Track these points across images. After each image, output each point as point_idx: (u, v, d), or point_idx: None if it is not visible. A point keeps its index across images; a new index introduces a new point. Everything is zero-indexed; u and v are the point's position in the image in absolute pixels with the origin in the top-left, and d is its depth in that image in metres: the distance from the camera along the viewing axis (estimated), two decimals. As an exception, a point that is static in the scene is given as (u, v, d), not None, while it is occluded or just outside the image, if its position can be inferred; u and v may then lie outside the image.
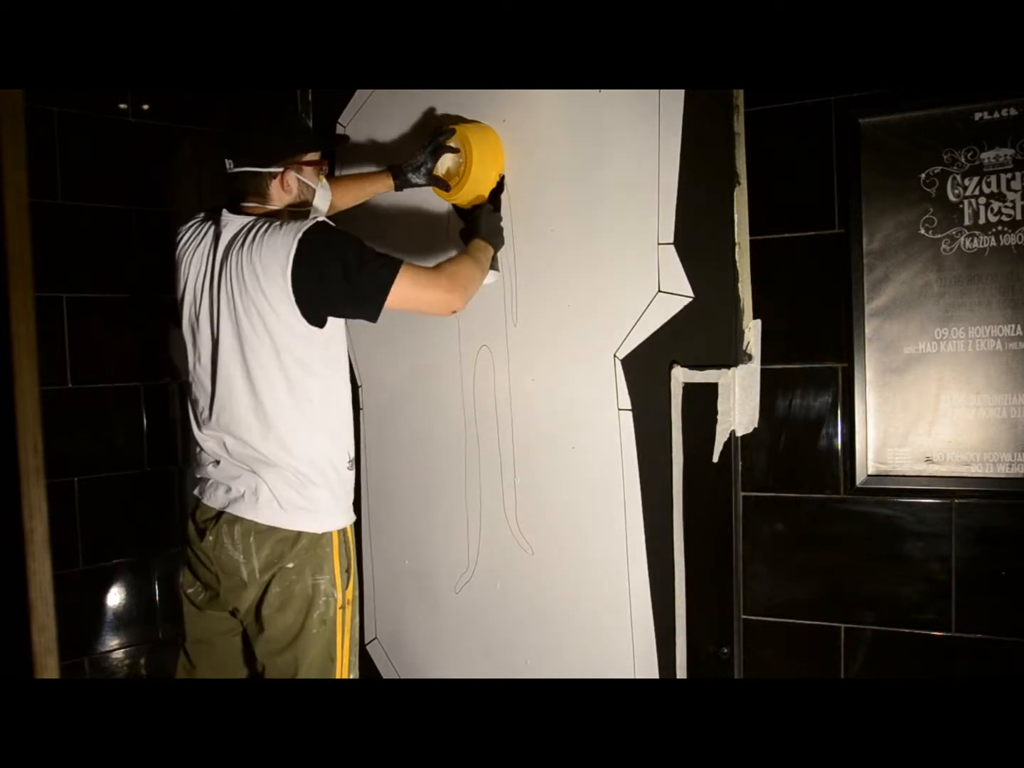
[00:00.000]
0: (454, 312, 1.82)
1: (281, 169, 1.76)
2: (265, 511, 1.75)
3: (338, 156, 2.52)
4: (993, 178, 1.72)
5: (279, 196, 1.79)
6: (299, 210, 1.83)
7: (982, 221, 1.73)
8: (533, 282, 2.17)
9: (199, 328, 1.81)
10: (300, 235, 1.65)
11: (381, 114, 2.41)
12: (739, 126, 1.90)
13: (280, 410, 1.73)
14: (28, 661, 0.96)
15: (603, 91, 2.02)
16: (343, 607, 1.81)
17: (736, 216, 1.90)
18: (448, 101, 2.27)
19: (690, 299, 1.94)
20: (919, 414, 1.80)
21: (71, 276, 2.16)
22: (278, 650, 1.79)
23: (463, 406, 2.30)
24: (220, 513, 1.78)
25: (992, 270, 1.73)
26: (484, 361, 2.26)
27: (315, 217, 1.72)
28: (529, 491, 2.20)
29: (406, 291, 1.71)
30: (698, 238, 1.92)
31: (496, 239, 2.05)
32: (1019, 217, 1.71)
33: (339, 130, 2.51)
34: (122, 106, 2.24)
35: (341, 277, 1.66)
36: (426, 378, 2.35)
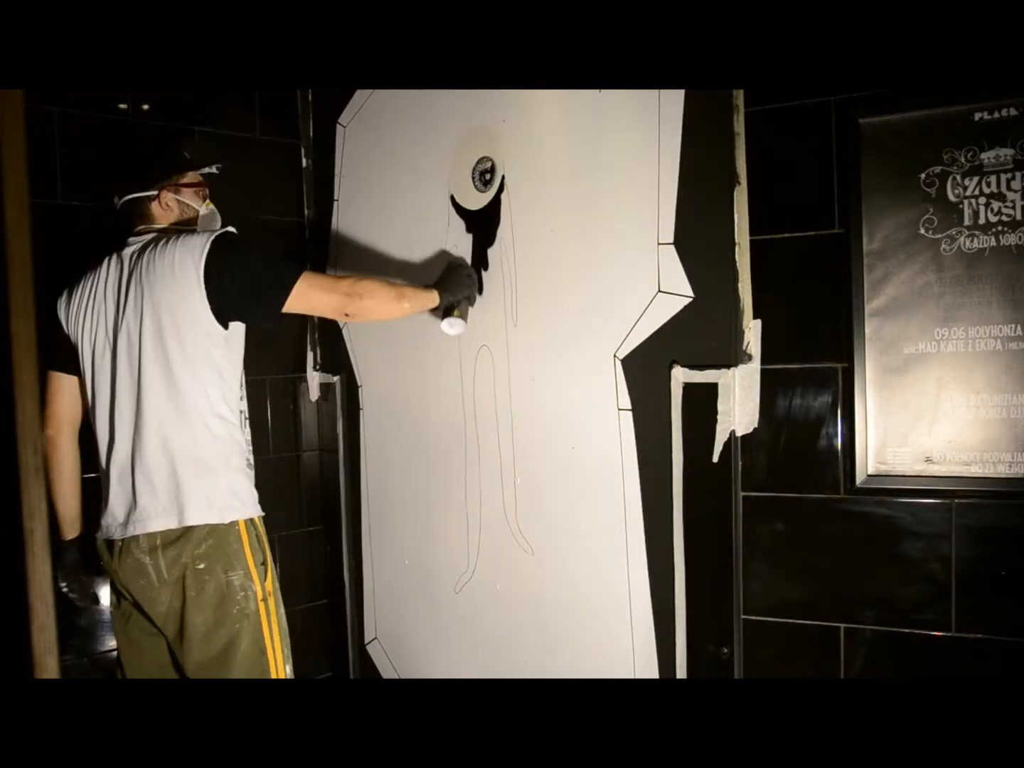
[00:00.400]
0: (347, 316, 1.93)
1: (156, 192, 1.94)
2: (159, 521, 1.80)
3: (344, 157, 2.52)
4: (993, 178, 1.72)
5: (161, 216, 1.95)
6: (185, 229, 1.94)
7: (982, 221, 1.73)
8: (533, 282, 2.17)
9: (100, 356, 1.88)
10: (214, 236, 1.81)
11: (382, 114, 2.41)
12: (739, 126, 1.90)
13: (167, 416, 1.81)
14: (28, 661, 0.96)
15: (603, 91, 2.02)
16: (264, 599, 1.86)
17: (736, 216, 1.90)
18: (448, 101, 2.27)
19: (690, 299, 1.94)
20: (919, 414, 1.80)
21: (71, 276, 2.16)
22: (203, 650, 1.82)
23: (463, 406, 2.30)
24: (122, 540, 1.84)
25: (992, 270, 1.73)
26: (484, 361, 2.26)
27: (227, 227, 1.87)
28: (529, 491, 2.20)
29: (306, 292, 1.85)
30: (698, 238, 1.92)
31: (449, 292, 2.12)
32: (1019, 217, 1.70)
33: (339, 130, 2.51)
34: (122, 106, 2.24)
35: (249, 271, 1.80)
36: (426, 378, 2.35)
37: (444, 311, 2.12)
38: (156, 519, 1.80)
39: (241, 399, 1.94)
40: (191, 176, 2.00)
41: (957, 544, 1.77)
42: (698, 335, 1.94)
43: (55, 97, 2.12)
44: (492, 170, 2.22)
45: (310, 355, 2.64)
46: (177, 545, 1.80)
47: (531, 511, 2.20)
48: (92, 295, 1.91)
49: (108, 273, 1.90)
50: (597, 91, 2.02)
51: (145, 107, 2.28)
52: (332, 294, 1.88)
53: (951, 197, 1.75)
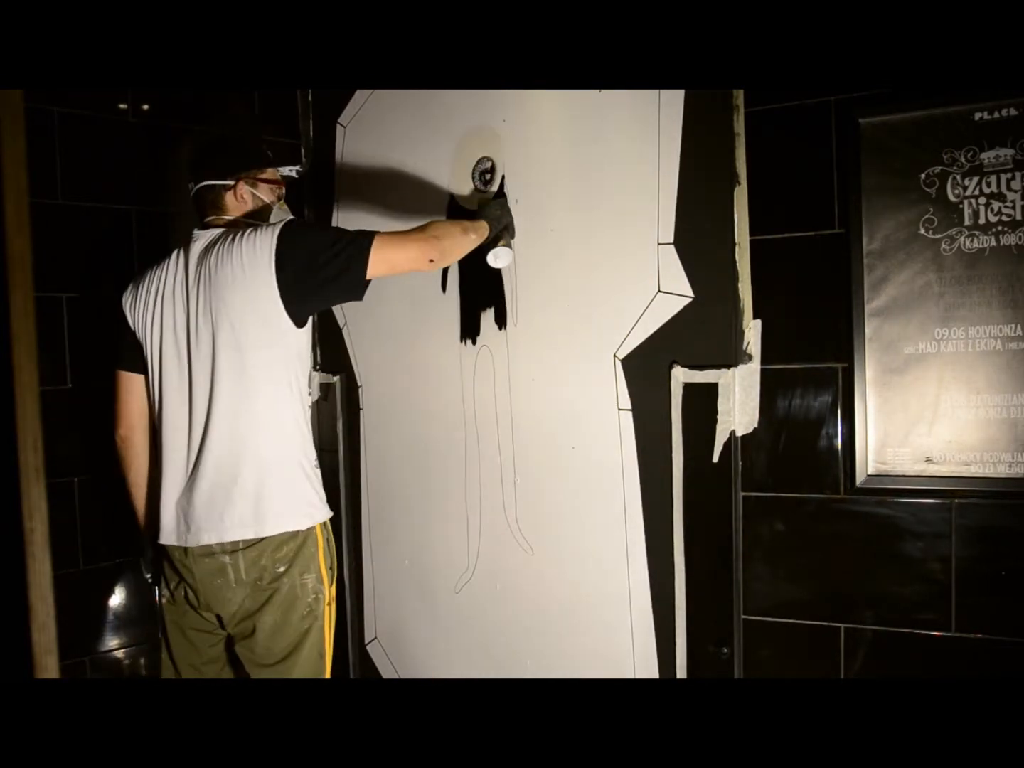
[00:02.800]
0: (431, 262, 1.87)
1: (234, 182, 1.92)
2: (240, 531, 1.78)
3: (344, 157, 2.52)
4: (993, 178, 1.72)
5: (235, 207, 1.93)
6: (253, 222, 1.92)
7: (982, 221, 1.73)
8: (533, 282, 2.17)
9: (169, 357, 1.84)
10: (279, 229, 1.77)
11: (382, 114, 2.41)
12: (739, 126, 1.90)
13: (244, 421, 1.78)
14: (28, 661, 0.96)
15: (603, 91, 2.02)
16: (330, 603, 1.88)
17: (736, 216, 1.90)
18: (448, 101, 2.27)
19: (690, 299, 1.94)
20: (919, 414, 1.80)
21: (71, 276, 2.16)
22: (270, 650, 1.80)
23: (463, 406, 2.30)
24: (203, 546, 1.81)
25: (992, 270, 1.73)
26: (484, 361, 2.26)
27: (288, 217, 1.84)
28: (529, 491, 2.20)
29: (385, 252, 1.79)
30: (698, 238, 1.92)
31: (494, 221, 2.08)
32: (1019, 217, 1.70)
33: (339, 130, 2.51)
34: (122, 106, 2.24)
35: (324, 251, 1.76)
36: (426, 378, 2.35)
37: (492, 242, 2.08)
38: (234, 528, 1.77)
39: (309, 394, 1.93)
40: (270, 172, 1.99)
41: (957, 544, 1.77)
42: (698, 335, 1.94)
43: (55, 97, 2.12)
44: (492, 170, 2.22)
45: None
46: (257, 547, 1.79)
47: (531, 511, 2.20)
48: (159, 293, 1.87)
49: (175, 270, 1.86)
50: (597, 91, 2.02)
51: (145, 107, 2.28)
52: (411, 246, 1.82)
53: (951, 197, 1.75)
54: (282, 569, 1.79)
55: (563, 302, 2.12)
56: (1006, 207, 1.71)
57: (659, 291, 1.98)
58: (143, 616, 2.29)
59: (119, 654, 2.23)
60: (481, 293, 2.26)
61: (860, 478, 1.84)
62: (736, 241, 1.90)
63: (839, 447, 1.88)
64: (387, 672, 2.50)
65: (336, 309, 2.55)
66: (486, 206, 2.13)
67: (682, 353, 1.96)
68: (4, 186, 0.94)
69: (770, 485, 1.93)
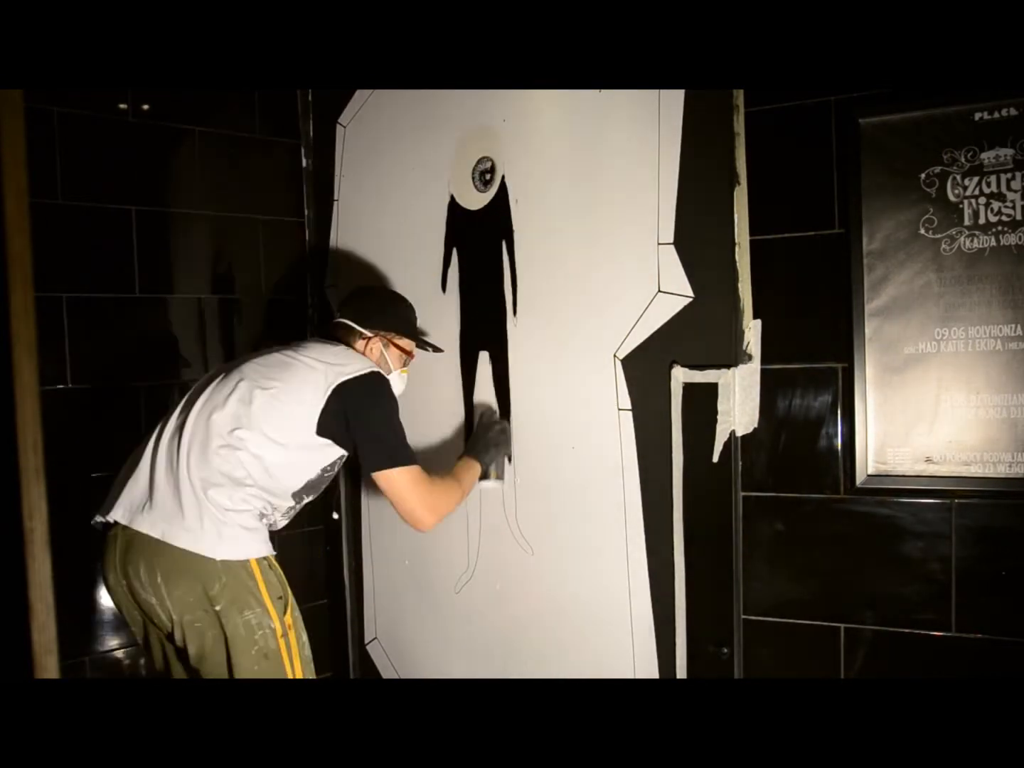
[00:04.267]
0: (415, 525, 1.92)
1: (371, 335, 2.02)
2: (177, 535, 1.75)
3: (344, 157, 2.52)
4: (993, 178, 1.72)
5: (366, 354, 2.02)
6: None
7: (982, 221, 1.73)
8: (533, 282, 2.17)
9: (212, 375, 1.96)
10: (369, 368, 1.91)
11: (382, 114, 2.41)
12: (739, 126, 1.90)
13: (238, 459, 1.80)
14: (28, 661, 0.96)
15: (603, 91, 2.02)
16: (284, 635, 1.80)
17: (736, 216, 1.90)
18: (448, 101, 2.27)
19: (690, 299, 1.94)
20: (919, 414, 1.80)
21: (71, 276, 2.16)
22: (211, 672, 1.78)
23: (463, 406, 2.30)
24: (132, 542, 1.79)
25: (992, 270, 1.73)
26: (484, 361, 2.26)
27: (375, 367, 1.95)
28: (529, 491, 2.20)
29: (398, 482, 1.88)
30: (698, 238, 1.92)
31: (487, 454, 2.12)
32: (1019, 217, 1.70)
33: (339, 130, 2.51)
34: (122, 106, 2.24)
35: (371, 422, 1.87)
36: (426, 378, 2.35)
37: (482, 475, 2.12)
38: (165, 528, 1.75)
39: (287, 506, 1.91)
40: (407, 342, 2.08)
41: (957, 544, 1.77)
42: (698, 335, 1.94)
43: (55, 97, 2.12)
44: (492, 170, 2.22)
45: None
46: (185, 585, 1.74)
47: (531, 511, 2.20)
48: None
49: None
50: (597, 91, 2.02)
51: (145, 107, 2.28)
52: (418, 506, 1.89)
53: (951, 197, 1.75)
54: (219, 607, 1.74)
55: (563, 302, 2.12)
56: (1006, 207, 1.71)
57: (659, 291, 1.98)
58: (143, 616, 2.29)
59: (119, 654, 2.23)
60: (481, 293, 2.26)
61: (860, 478, 1.84)
62: (736, 241, 1.90)
63: (839, 447, 1.87)
64: (387, 672, 2.50)
65: (336, 308, 2.56)
66: (484, 435, 2.14)
67: (682, 353, 1.96)
68: (4, 186, 0.94)
69: (770, 485, 1.93)
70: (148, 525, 1.77)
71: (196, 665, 1.79)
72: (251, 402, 1.81)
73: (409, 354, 2.09)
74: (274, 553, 1.88)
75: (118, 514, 1.82)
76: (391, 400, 1.92)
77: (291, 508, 1.92)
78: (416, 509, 1.88)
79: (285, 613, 1.82)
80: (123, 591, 1.81)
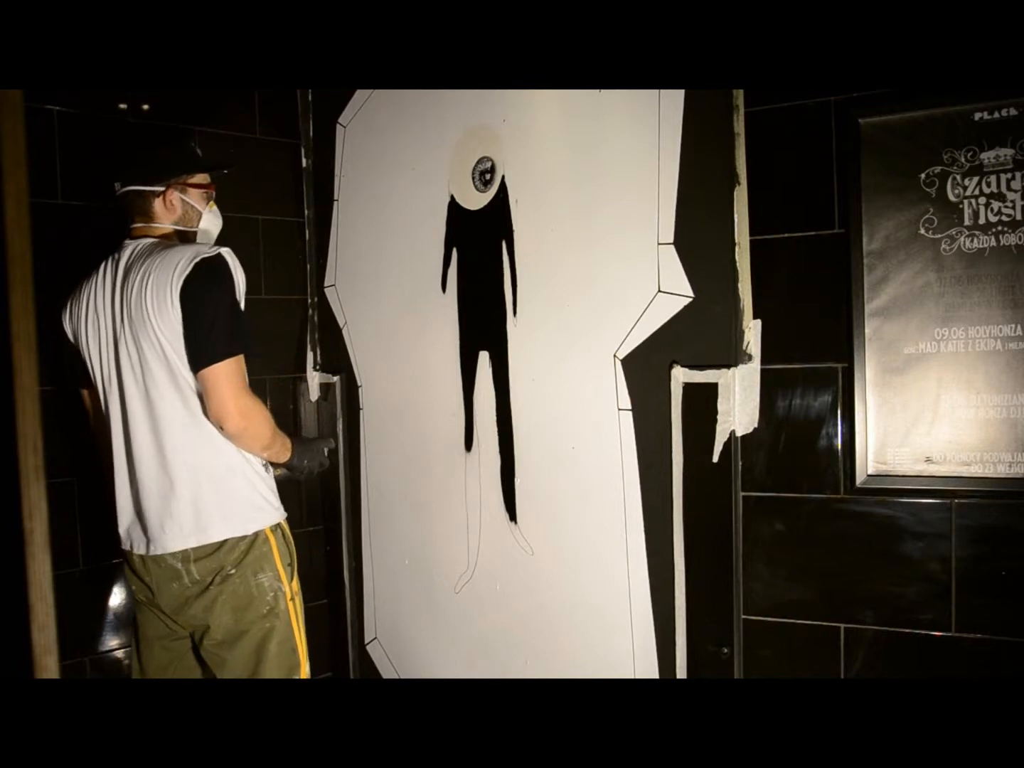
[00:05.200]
0: (220, 426, 1.77)
1: (163, 188, 1.87)
2: (193, 538, 1.79)
3: (344, 157, 2.52)
4: (993, 178, 1.72)
5: (163, 214, 1.89)
6: (186, 230, 1.92)
7: (982, 221, 1.73)
8: (533, 282, 2.17)
9: (106, 373, 1.85)
10: (188, 271, 1.72)
11: (382, 114, 2.41)
12: (739, 126, 1.90)
13: (178, 431, 1.78)
14: (28, 661, 0.96)
15: (603, 91, 2.02)
16: (292, 598, 1.88)
17: (736, 216, 1.90)
18: (448, 101, 2.27)
19: (690, 299, 1.94)
20: (919, 414, 1.80)
21: (71, 276, 2.16)
22: (237, 650, 1.82)
23: (463, 406, 2.30)
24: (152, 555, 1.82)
25: (992, 270, 1.73)
26: (484, 361, 2.26)
27: (216, 248, 1.78)
28: (529, 491, 2.20)
29: (225, 373, 1.74)
30: (698, 238, 1.92)
31: (297, 456, 1.96)
32: (1019, 217, 1.70)
33: (339, 130, 2.51)
34: (122, 106, 2.24)
35: (203, 321, 1.73)
36: (426, 378, 2.35)
37: (281, 465, 1.99)
38: (176, 539, 1.79)
39: None
40: (200, 176, 1.94)
41: (957, 544, 1.77)
42: (698, 335, 1.94)
43: (55, 97, 2.12)
44: (492, 170, 2.22)
45: (310, 355, 2.64)
46: (206, 552, 1.80)
47: (531, 511, 2.20)
48: (92, 307, 1.86)
49: (104, 283, 1.85)
50: (597, 91, 2.02)
51: (145, 107, 2.28)
52: (230, 399, 1.74)
53: (951, 197, 1.75)
54: (232, 571, 1.80)
55: (563, 302, 2.12)
56: (1006, 207, 1.71)
57: (659, 291, 1.98)
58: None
59: (119, 654, 2.23)
60: (481, 293, 2.26)
61: (860, 478, 1.84)
62: (736, 241, 1.90)
63: (839, 447, 1.87)
64: (387, 672, 2.50)
65: (336, 308, 2.56)
66: (311, 442, 2.05)
67: (682, 353, 1.96)
68: (4, 186, 0.94)
69: (770, 485, 1.93)
70: (177, 543, 1.80)
71: (204, 631, 1.83)
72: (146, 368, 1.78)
73: (209, 187, 1.95)
74: (285, 516, 1.91)
75: (142, 550, 1.84)
76: (222, 285, 1.76)
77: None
78: (228, 401, 1.74)
79: (292, 579, 1.88)
80: (145, 562, 1.84)
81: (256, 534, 1.82)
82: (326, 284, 2.59)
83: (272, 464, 1.96)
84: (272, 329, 2.57)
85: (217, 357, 1.73)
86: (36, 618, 0.96)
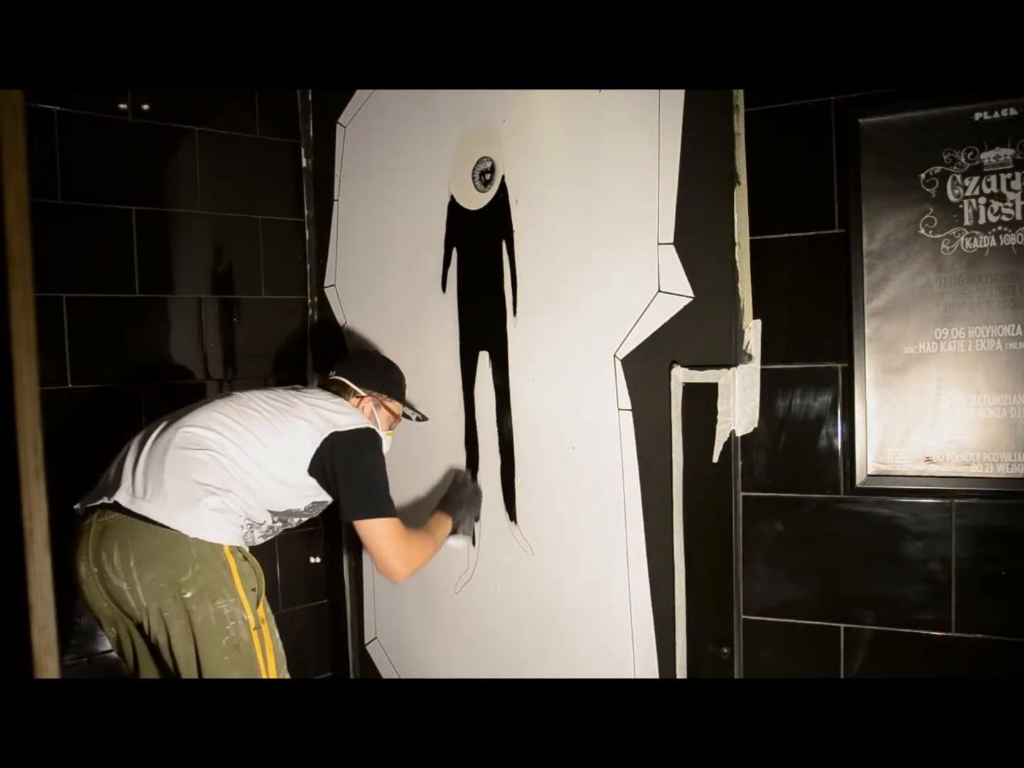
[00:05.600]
0: (388, 574, 1.98)
1: (365, 394, 2.10)
2: (150, 508, 1.75)
3: (344, 157, 2.52)
4: (993, 178, 1.72)
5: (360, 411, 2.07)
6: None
7: (982, 221, 1.73)
8: (533, 282, 2.17)
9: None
10: (364, 427, 1.98)
11: (382, 114, 2.41)
12: (739, 126, 1.90)
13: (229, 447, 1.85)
14: (28, 661, 0.96)
15: (603, 91, 2.02)
16: (258, 627, 1.79)
17: (736, 216, 1.90)
18: (448, 101, 2.27)
19: (690, 299, 1.94)
20: (919, 414, 1.80)
21: (71, 276, 2.16)
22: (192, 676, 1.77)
23: (463, 405, 2.30)
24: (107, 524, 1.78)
25: (992, 270, 1.73)
26: (484, 361, 2.26)
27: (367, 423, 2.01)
28: (529, 491, 2.20)
29: (378, 534, 1.93)
30: (698, 238, 1.92)
31: (459, 512, 2.20)
32: (1019, 217, 1.70)
33: (339, 130, 2.51)
34: (122, 106, 2.24)
35: (357, 471, 1.93)
36: (426, 378, 2.35)
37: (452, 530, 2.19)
38: (139, 504, 1.75)
39: (266, 524, 1.93)
40: (396, 406, 2.15)
41: (957, 544, 1.77)
42: (698, 335, 1.94)
43: (55, 97, 2.12)
44: (492, 170, 2.22)
45: (310, 355, 2.64)
46: (158, 570, 1.72)
47: (531, 511, 2.20)
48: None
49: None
50: (597, 91, 2.02)
51: (145, 107, 2.28)
52: (393, 557, 1.94)
53: (951, 197, 1.75)
54: (189, 595, 1.72)
55: (563, 302, 2.12)
56: (1006, 207, 1.71)
57: (659, 291, 1.98)
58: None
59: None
60: (481, 293, 2.26)
61: (860, 478, 1.84)
62: (736, 241, 1.90)
63: (839, 447, 1.87)
64: (387, 672, 2.50)
65: (336, 308, 2.56)
66: (457, 494, 2.24)
67: (682, 353, 1.96)
68: (4, 186, 0.94)
69: (770, 485, 1.93)
70: (127, 501, 1.77)
71: (165, 656, 1.78)
72: (248, 421, 1.87)
73: (397, 417, 2.17)
74: (247, 546, 1.88)
75: (96, 499, 1.82)
76: (379, 454, 1.99)
77: (268, 526, 1.94)
78: (391, 560, 1.94)
79: (258, 606, 1.80)
80: (94, 580, 1.78)
81: (214, 550, 1.75)
82: (326, 284, 2.59)
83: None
84: (272, 329, 2.57)
85: (382, 513, 1.93)
86: (36, 618, 0.96)
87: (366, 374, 2.13)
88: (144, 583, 1.72)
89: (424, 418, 2.25)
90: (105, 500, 1.80)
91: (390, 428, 2.16)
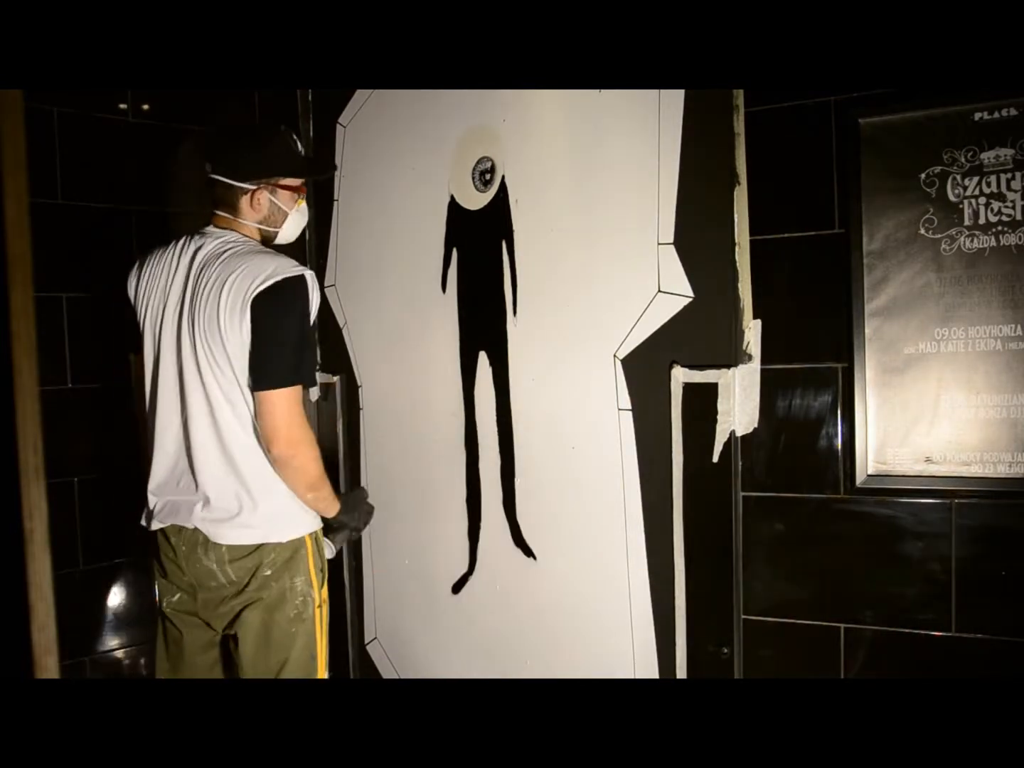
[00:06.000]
0: (270, 451, 1.74)
1: (254, 187, 1.82)
2: (233, 533, 1.76)
3: (344, 157, 2.52)
4: (993, 178, 1.72)
5: (248, 213, 1.84)
6: (268, 230, 1.88)
7: (982, 221, 1.73)
8: (533, 282, 2.17)
9: (163, 351, 1.81)
10: (279, 278, 1.70)
11: (382, 114, 2.41)
12: (739, 126, 1.90)
13: (232, 431, 1.75)
14: (28, 661, 0.96)
15: (603, 91, 2.02)
16: (320, 606, 1.85)
17: (736, 216, 1.90)
18: (448, 101, 2.27)
19: (690, 299, 1.94)
20: (919, 414, 1.80)
21: (71, 276, 2.16)
22: (260, 650, 1.80)
23: (463, 406, 2.30)
24: (193, 530, 1.79)
25: (992, 270, 1.73)
26: (484, 361, 2.26)
27: (300, 268, 1.75)
28: (529, 491, 2.20)
29: (283, 399, 1.71)
30: (698, 238, 1.92)
31: (347, 516, 1.99)
32: (1019, 217, 1.70)
33: (339, 130, 2.51)
34: (122, 106, 2.24)
35: (273, 342, 1.71)
36: (426, 378, 2.35)
37: (329, 528, 1.97)
38: (222, 530, 1.76)
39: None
40: (293, 179, 1.87)
41: (957, 544, 1.77)
42: (698, 335, 1.93)
43: (55, 97, 2.12)
44: (492, 170, 2.22)
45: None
46: (245, 555, 1.77)
47: (531, 511, 2.20)
48: (159, 283, 1.82)
49: (179, 265, 1.80)
50: (597, 91, 2.02)
51: (145, 107, 2.28)
52: (283, 426, 1.71)
53: (951, 197, 1.75)
54: (269, 572, 1.78)
55: (563, 302, 2.12)
56: (1006, 207, 1.71)
57: (659, 291, 1.98)
58: (143, 616, 2.29)
59: (119, 654, 2.23)
60: (481, 293, 2.26)
61: (860, 478, 1.84)
62: (736, 241, 1.90)
63: (839, 447, 1.87)
64: (387, 672, 2.50)
65: (336, 308, 2.55)
66: (356, 500, 2.07)
67: (682, 353, 1.96)
68: (4, 186, 0.94)
69: (770, 485, 1.93)
70: (206, 526, 1.76)
71: (233, 629, 1.82)
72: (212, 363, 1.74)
73: (299, 189, 1.89)
74: (321, 525, 1.89)
75: (169, 522, 1.81)
76: (298, 308, 1.73)
77: None
78: (291, 430, 1.72)
79: (323, 586, 1.86)
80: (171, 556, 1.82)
81: (296, 539, 1.81)
82: (326, 284, 2.58)
83: (325, 525, 1.92)
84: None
85: (278, 382, 1.71)
86: (36, 618, 0.96)
87: (244, 159, 1.82)
88: (234, 567, 1.77)
89: (331, 168, 1.97)
90: (178, 523, 1.81)
91: (297, 198, 1.89)
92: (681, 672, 2.00)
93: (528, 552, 2.21)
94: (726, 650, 1.95)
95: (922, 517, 1.80)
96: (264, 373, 1.72)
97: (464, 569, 2.32)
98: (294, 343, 1.73)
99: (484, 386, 2.26)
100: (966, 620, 1.76)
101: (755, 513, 1.94)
